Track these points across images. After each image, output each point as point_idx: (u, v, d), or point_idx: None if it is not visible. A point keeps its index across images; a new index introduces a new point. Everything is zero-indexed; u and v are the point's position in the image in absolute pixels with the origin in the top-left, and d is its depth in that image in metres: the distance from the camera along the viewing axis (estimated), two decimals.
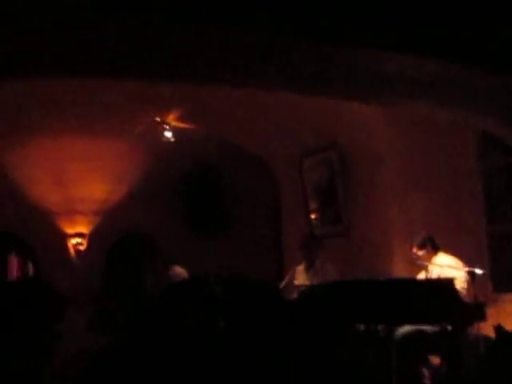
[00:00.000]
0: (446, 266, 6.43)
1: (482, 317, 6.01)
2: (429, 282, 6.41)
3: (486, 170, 7.46)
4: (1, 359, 5.12)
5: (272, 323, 4.45)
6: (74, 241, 10.24)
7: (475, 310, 6.01)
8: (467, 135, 7.40)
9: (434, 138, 7.59)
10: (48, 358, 5.42)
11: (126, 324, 5.93)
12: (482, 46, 4.79)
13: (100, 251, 10.29)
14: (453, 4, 4.64)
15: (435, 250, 6.58)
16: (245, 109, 8.31)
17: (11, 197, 9.66)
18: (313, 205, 9.45)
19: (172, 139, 8.92)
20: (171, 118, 8.73)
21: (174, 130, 8.87)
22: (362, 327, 6.14)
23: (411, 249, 6.67)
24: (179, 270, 7.83)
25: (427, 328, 6.15)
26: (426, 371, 6.32)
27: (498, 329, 5.99)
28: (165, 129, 8.86)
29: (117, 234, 10.40)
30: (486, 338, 6.03)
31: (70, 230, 10.27)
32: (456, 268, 6.36)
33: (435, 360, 6.43)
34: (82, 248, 10.26)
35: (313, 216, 9.45)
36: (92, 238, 10.32)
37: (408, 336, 6.07)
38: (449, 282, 6.05)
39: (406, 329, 6.08)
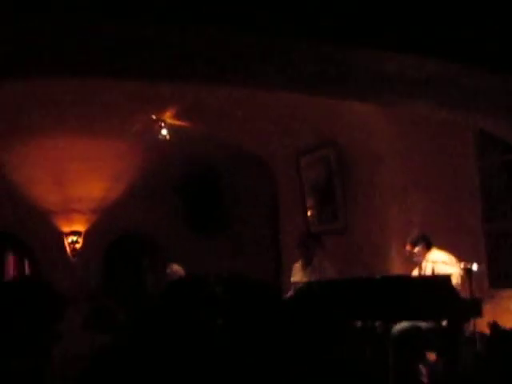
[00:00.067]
0: (440, 263, 6.48)
1: (478, 313, 6.05)
2: (425, 278, 6.45)
3: (485, 169, 7.50)
4: (1, 359, 5.12)
5: (272, 323, 4.47)
6: (71, 239, 10.23)
7: (471, 307, 6.05)
8: (466, 135, 7.43)
9: (433, 138, 7.62)
10: (48, 358, 5.43)
11: (126, 323, 5.94)
12: (481, 46, 4.81)
13: (98, 250, 10.29)
14: (453, 4, 4.66)
15: (428, 247, 6.63)
16: (243, 107, 8.32)
17: (9, 196, 9.65)
18: (310, 203, 9.48)
19: (167, 137, 8.91)
20: (169, 116, 8.73)
21: (171, 128, 8.87)
22: (359, 324, 6.18)
23: (405, 246, 6.74)
24: (176, 268, 7.85)
25: (423, 325, 6.19)
26: (422, 368, 6.36)
27: (493, 326, 6.04)
28: (162, 127, 8.86)
29: (115, 233, 10.40)
30: (483, 335, 6.08)
31: (67, 229, 10.26)
32: (450, 264, 6.41)
33: (432, 356, 6.47)
34: (79, 247, 10.26)
35: (310, 214, 9.47)
36: (90, 237, 10.31)
37: (404, 333, 6.10)
38: (445, 279, 6.10)
39: (402, 325, 6.12)
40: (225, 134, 9.58)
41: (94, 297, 8.16)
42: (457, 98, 5.69)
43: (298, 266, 7.77)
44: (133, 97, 7.77)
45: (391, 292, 5.82)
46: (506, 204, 7.31)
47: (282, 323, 4.79)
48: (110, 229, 10.29)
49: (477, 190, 7.45)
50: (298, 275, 7.70)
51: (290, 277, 7.89)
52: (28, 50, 4.52)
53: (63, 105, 7.93)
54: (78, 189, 9.89)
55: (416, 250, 6.60)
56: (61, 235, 10.26)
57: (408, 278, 6.56)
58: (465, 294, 6.11)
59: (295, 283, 7.51)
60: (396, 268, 7.68)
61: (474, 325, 6.06)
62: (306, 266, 7.63)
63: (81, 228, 10.30)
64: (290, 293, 7.23)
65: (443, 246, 6.65)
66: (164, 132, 8.90)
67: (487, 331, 6.08)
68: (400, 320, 6.09)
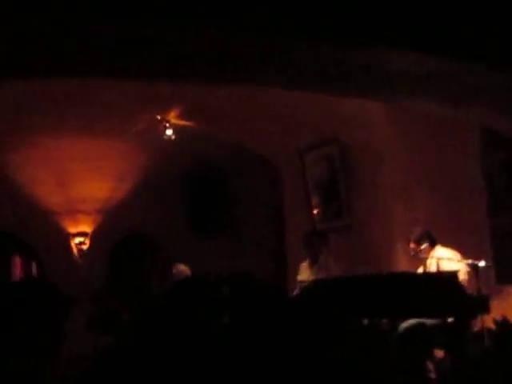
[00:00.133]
0: (444, 259, 6.47)
1: (485, 309, 6.03)
2: (431, 275, 6.43)
3: (488, 165, 7.47)
4: (4, 359, 5.12)
5: (276, 322, 4.45)
6: (76, 240, 10.24)
7: (478, 303, 6.02)
8: (469, 131, 7.40)
9: (435, 136, 7.60)
10: (49, 358, 5.43)
11: (131, 324, 5.94)
12: (482, 42, 4.79)
13: (103, 250, 10.29)
14: (453, 1, 4.64)
15: (433, 244, 6.62)
16: (245, 107, 8.31)
17: (13, 197, 9.65)
18: (315, 201, 9.46)
19: (173, 137, 8.91)
20: (172, 116, 8.73)
21: (174, 128, 8.87)
22: (366, 322, 6.16)
23: (409, 244, 6.72)
24: (182, 268, 7.84)
25: (430, 322, 6.17)
26: (430, 364, 6.34)
27: (503, 322, 6.02)
28: (165, 127, 8.86)
29: (120, 233, 10.40)
30: (491, 331, 6.05)
31: (72, 230, 10.26)
32: (455, 260, 6.39)
33: (439, 353, 6.45)
34: (84, 247, 10.26)
35: (315, 212, 9.45)
36: (95, 238, 10.31)
37: (410, 330, 6.09)
38: (451, 276, 6.07)
39: (408, 323, 6.11)
40: (227, 134, 9.56)
41: (98, 297, 8.15)
42: (458, 95, 5.67)
43: (304, 264, 7.76)
44: (135, 97, 7.77)
45: (397, 289, 5.80)
46: (509, 199, 7.28)
47: (286, 322, 4.78)
48: (114, 229, 10.29)
49: (481, 187, 7.42)
50: (304, 274, 7.69)
51: (295, 276, 7.88)
52: (28, 50, 4.51)
53: (65, 105, 7.94)
54: (82, 189, 9.90)
55: (420, 247, 6.59)
56: (66, 236, 10.27)
57: (413, 275, 6.54)
58: (472, 291, 6.08)
59: (301, 282, 7.50)
60: (401, 265, 7.66)
61: (482, 321, 6.04)
62: (313, 264, 7.62)
63: (87, 229, 10.31)
64: (296, 291, 7.21)
65: (448, 243, 6.63)
66: (169, 132, 8.90)
67: (495, 327, 6.07)
68: (406, 317, 6.07)
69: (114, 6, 4.07)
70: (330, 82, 5.39)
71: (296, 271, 7.91)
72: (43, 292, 5.73)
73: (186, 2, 4.08)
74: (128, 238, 10.37)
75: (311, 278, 7.44)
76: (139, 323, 4.92)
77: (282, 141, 9.58)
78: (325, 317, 5.41)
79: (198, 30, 4.23)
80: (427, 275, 6.49)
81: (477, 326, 6.16)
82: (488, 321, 6.07)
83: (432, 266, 6.55)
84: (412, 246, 6.66)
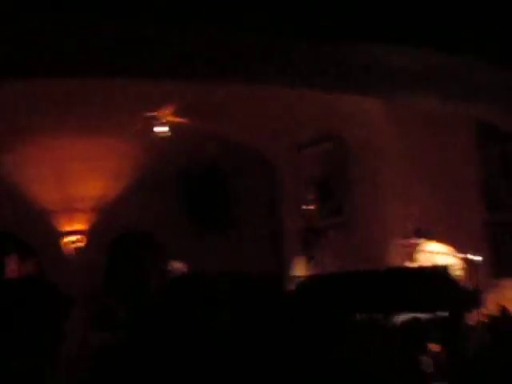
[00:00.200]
0: (437, 254, 6.52)
1: (478, 304, 6.08)
2: (425, 270, 6.48)
3: (485, 160, 7.53)
4: (3, 359, 5.13)
5: (273, 318, 4.50)
6: (73, 238, 10.24)
7: (472, 297, 6.08)
8: (466, 127, 7.46)
9: (433, 133, 7.65)
10: (50, 359, 5.44)
11: (127, 322, 5.94)
12: (482, 40, 4.83)
13: (99, 248, 10.30)
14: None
15: (426, 239, 6.67)
16: (243, 103, 8.31)
17: (11, 197, 9.65)
18: (312, 198, 9.48)
19: (168, 134, 8.92)
20: (169, 114, 8.73)
21: (171, 126, 8.87)
22: (361, 317, 6.20)
23: (402, 240, 6.77)
24: (178, 266, 7.86)
25: (425, 316, 6.22)
26: (426, 359, 6.39)
27: (502, 311, 6.07)
28: (162, 125, 8.87)
29: (116, 232, 10.40)
30: (486, 324, 6.10)
31: (69, 228, 10.26)
32: (448, 255, 6.45)
33: (436, 348, 6.50)
34: (81, 245, 10.26)
35: (312, 209, 9.47)
36: (91, 236, 10.32)
37: (406, 325, 6.13)
38: (444, 270, 6.13)
39: (403, 317, 6.15)
40: (225, 131, 9.57)
41: (95, 296, 8.16)
42: (457, 91, 5.71)
43: (300, 260, 7.80)
44: (132, 95, 7.76)
45: (392, 284, 5.85)
46: (507, 195, 7.35)
47: (283, 318, 4.81)
48: (111, 227, 10.29)
49: (477, 182, 7.48)
50: (300, 270, 7.72)
51: (292, 272, 7.91)
52: (28, 50, 4.52)
53: (63, 105, 7.92)
54: (79, 188, 9.89)
55: (413, 243, 6.64)
56: (63, 235, 10.27)
57: (407, 271, 6.59)
58: (467, 285, 6.14)
59: (298, 278, 7.53)
60: (397, 261, 7.71)
61: (478, 315, 6.09)
62: (309, 260, 7.66)
63: (84, 227, 10.30)
64: (293, 287, 7.24)
65: (444, 239, 6.69)
66: (164, 129, 8.90)
67: (489, 321, 6.12)
68: (400, 312, 6.12)
69: (114, 5, 4.09)
70: (330, 82, 5.42)
71: (293, 268, 7.95)
72: (43, 291, 5.75)
73: (186, 2, 4.10)
74: (125, 235, 10.37)
75: (307, 273, 7.49)
76: (136, 321, 4.94)
77: (279, 138, 9.60)
78: (321, 312, 5.45)
79: (198, 29, 4.25)
80: (421, 270, 6.54)
81: (472, 319, 6.22)
82: (484, 314, 6.13)
83: (425, 261, 6.60)
84: (405, 241, 6.72)
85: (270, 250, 10.44)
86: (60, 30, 4.30)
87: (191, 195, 10.77)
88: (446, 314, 6.20)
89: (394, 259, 7.74)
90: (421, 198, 7.73)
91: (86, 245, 10.27)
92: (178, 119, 8.84)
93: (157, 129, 8.88)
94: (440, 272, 6.19)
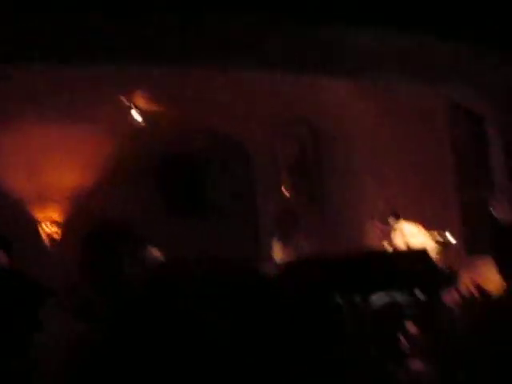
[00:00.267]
0: (410, 234, 6.57)
1: (455, 282, 6.15)
2: (400, 251, 6.54)
3: (457, 139, 7.58)
4: None
5: (253, 304, 4.50)
6: (48, 229, 10.17)
7: (449, 276, 6.15)
8: (438, 107, 7.49)
9: (404, 114, 7.67)
10: (23, 347, 5.40)
11: (107, 313, 5.91)
12: (454, 20, 4.82)
13: (75, 239, 10.21)
14: None
15: (400, 220, 6.71)
16: (217, 89, 8.27)
17: None
18: (287, 182, 9.51)
19: (142, 122, 8.88)
20: (141, 101, 8.68)
21: (145, 113, 8.83)
22: (338, 299, 6.24)
23: (377, 222, 6.81)
24: (157, 254, 7.82)
25: (402, 296, 6.27)
26: (402, 338, 6.45)
27: (477, 288, 6.12)
28: (135, 112, 8.82)
29: (93, 221, 10.31)
30: (460, 303, 6.17)
31: (43, 218, 10.19)
32: (421, 235, 6.50)
33: (413, 327, 6.56)
34: (57, 236, 10.20)
35: (287, 192, 9.50)
36: (67, 226, 10.26)
37: (383, 305, 6.19)
38: (421, 250, 6.18)
39: (379, 298, 6.20)
40: (199, 117, 9.54)
41: (73, 287, 8.11)
42: (429, 71, 5.72)
43: (277, 244, 7.82)
44: (107, 83, 7.69)
45: (369, 266, 5.89)
46: (479, 173, 7.41)
47: (263, 303, 4.83)
48: (87, 217, 10.22)
49: (450, 161, 7.54)
50: (277, 254, 7.75)
51: (270, 256, 7.94)
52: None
53: (36, 93, 7.83)
54: (53, 178, 9.81)
55: (386, 224, 6.68)
56: (38, 225, 10.19)
57: (384, 252, 6.64)
58: (441, 264, 6.20)
59: (275, 262, 7.57)
60: (373, 243, 7.76)
61: (453, 294, 6.15)
62: (284, 243, 7.68)
63: (57, 217, 10.23)
64: (270, 272, 7.27)
65: (418, 219, 6.74)
66: (137, 117, 8.86)
67: (466, 298, 6.18)
68: (377, 293, 6.17)
69: None
70: (301, 59, 5.39)
71: (270, 252, 7.97)
72: (11, 279, 5.70)
73: None
74: (101, 225, 10.28)
75: (284, 258, 7.52)
76: (116, 313, 4.92)
77: (254, 124, 9.59)
78: (300, 296, 5.47)
79: (175, 14, 4.20)
80: (397, 251, 6.59)
81: (448, 298, 6.28)
82: (459, 292, 6.18)
83: (401, 243, 6.65)
84: (380, 223, 6.76)
85: (247, 234, 10.46)
86: (35, 17, 4.22)
87: (168, 182, 10.75)
88: (423, 293, 6.27)
89: (371, 241, 7.80)
90: (395, 179, 7.78)
91: (62, 235, 10.21)
92: (153, 107, 8.80)
93: (132, 117, 8.84)
94: (416, 252, 6.25)
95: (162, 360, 3.63)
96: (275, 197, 9.63)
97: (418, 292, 6.25)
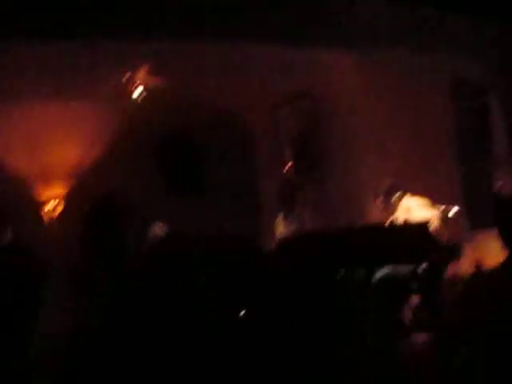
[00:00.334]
0: (414, 208, 6.56)
1: (457, 256, 6.15)
2: (403, 225, 6.52)
3: (460, 112, 7.54)
4: None
5: (256, 279, 4.51)
6: (49, 205, 10.16)
7: (451, 250, 6.14)
8: (440, 80, 7.44)
9: (406, 86, 7.62)
10: (31, 324, 5.41)
11: (109, 288, 5.92)
12: None
13: (77, 215, 10.22)
14: None
15: (402, 193, 6.69)
16: (217, 63, 8.20)
17: None
18: (288, 155, 9.49)
19: (142, 98, 8.83)
20: (142, 76, 8.62)
21: (146, 88, 8.77)
22: (341, 273, 6.24)
23: (377, 197, 6.78)
24: (158, 229, 7.82)
25: (404, 269, 6.27)
26: (406, 311, 6.47)
27: (478, 265, 6.14)
28: (136, 87, 8.77)
29: (93, 197, 10.32)
30: (464, 276, 6.18)
31: (45, 195, 10.18)
32: (425, 208, 6.48)
33: (414, 300, 6.57)
34: (58, 212, 10.19)
35: (288, 166, 9.48)
36: (68, 202, 10.25)
37: (385, 278, 6.20)
38: (423, 224, 6.17)
39: (382, 271, 6.20)
40: (200, 91, 9.47)
41: (75, 263, 8.12)
42: (430, 43, 5.68)
43: (279, 219, 7.82)
44: (107, 58, 7.62)
45: (371, 239, 5.89)
46: (482, 146, 7.38)
47: (265, 278, 4.83)
48: (88, 193, 10.21)
49: (452, 134, 7.51)
50: (279, 228, 7.75)
51: (271, 231, 7.94)
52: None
53: (35, 69, 7.77)
54: (54, 154, 9.79)
55: (388, 198, 6.66)
56: (39, 201, 10.19)
57: (386, 225, 6.64)
58: (444, 239, 6.19)
59: (277, 237, 7.56)
60: (375, 215, 7.75)
61: (455, 267, 6.16)
62: (286, 218, 7.67)
63: (59, 193, 10.23)
64: (271, 246, 7.27)
65: (420, 192, 6.72)
66: (138, 92, 8.82)
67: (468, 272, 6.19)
68: (380, 265, 6.18)
69: None
70: (304, 31, 5.33)
71: (270, 228, 7.97)
72: (14, 256, 5.71)
73: None
74: (102, 201, 10.29)
75: (285, 233, 7.51)
76: (117, 288, 4.92)
77: (254, 97, 9.53)
78: (302, 270, 5.47)
79: None
80: (398, 226, 6.58)
81: (450, 272, 6.29)
82: (462, 266, 6.20)
83: (403, 216, 6.64)
84: (381, 198, 6.74)
85: (249, 210, 10.45)
86: None
87: (168, 160, 10.72)
88: (426, 267, 6.27)
89: (373, 215, 7.79)
90: (396, 153, 7.75)
91: (63, 212, 10.21)
92: (153, 83, 8.74)
93: (133, 93, 8.79)
94: (419, 226, 6.24)
95: (163, 335, 3.64)
96: (276, 173, 9.61)
97: (421, 266, 6.25)
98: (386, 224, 6.68)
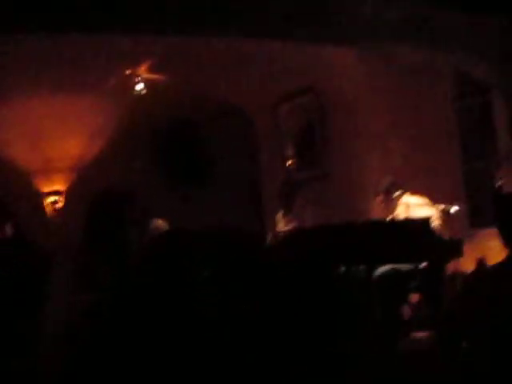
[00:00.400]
0: (414, 206, 6.56)
1: (458, 253, 6.15)
2: (404, 222, 6.52)
3: (462, 110, 7.55)
4: None
5: (257, 274, 4.51)
6: (52, 199, 10.16)
7: (452, 248, 6.15)
8: (443, 78, 7.44)
9: (409, 83, 7.61)
10: (35, 320, 5.42)
11: (112, 283, 5.95)
12: None
13: (80, 208, 10.23)
14: None
15: (403, 191, 6.69)
16: (220, 57, 8.19)
17: None
18: (290, 151, 9.49)
19: (144, 91, 8.82)
20: (144, 71, 8.61)
21: (147, 82, 8.77)
22: (342, 270, 6.25)
23: (379, 194, 6.77)
24: (160, 224, 7.83)
25: (405, 267, 6.28)
26: (406, 308, 6.48)
27: (479, 263, 6.14)
28: (138, 82, 8.76)
29: (95, 191, 10.33)
30: (464, 274, 6.18)
31: (47, 189, 10.18)
32: (427, 206, 6.49)
33: (415, 298, 6.58)
34: (60, 206, 10.19)
35: (290, 162, 9.48)
36: (70, 196, 10.26)
37: (386, 275, 6.20)
38: (423, 221, 6.17)
39: (383, 269, 6.21)
40: (202, 85, 9.47)
41: (77, 257, 8.13)
42: (432, 39, 5.67)
43: (279, 215, 7.82)
44: (109, 52, 7.62)
45: (372, 237, 5.89)
46: (484, 144, 7.39)
47: (266, 273, 4.83)
48: (90, 187, 10.23)
49: (454, 133, 7.51)
50: (281, 224, 7.75)
51: (273, 226, 7.94)
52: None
53: (37, 63, 7.77)
54: (56, 148, 9.79)
55: (390, 196, 6.66)
56: (41, 195, 10.19)
57: (387, 223, 6.64)
58: (445, 236, 6.20)
59: (279, 232, 7.56)
60: (376, 213, 7.76)
61: (456, 265, 6.17)
62: (286, 214, 7.67)
63: (61, 187, 10.23)
64: (271, 242, 7.27)
65: (421, 190, 6.72)
66: (140, 87, 8.81)
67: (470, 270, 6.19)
68: (381, 264, 6.18)
69: None
70: (305, 26, 5.33)
71: (272, 222, 7.97)
72: (17, 250, 5.72)
73: None
74: (104, 195, 10.30)
75: (286, 227, 7.51)
76: (119, 281, 4.93)
77: (257, 92, 9.53)
78: (303, 266, 5.47)
79: None
80: (400, 222, 6.58)
81: (451, 269, 6.30)
82: (462, 264, 6.21)
83: (404, 214, 6.64)
84: (381, 196, 6.73)
85: (251, 205, 10.46)
86: None
87: (169, 152, 10.73)
88: (427, 264, 6.27)
89: (373, 211, 7.79)
90: (398, 150, 7.75)
91: (65, 205, 10.21)
92: (155, 76, 8.73)
93: (135, 87, 8.79)
94: (419, 223, 6.24)
95: (164, 330, 3.65)
96: (278, 167, 9.61)
97: (421, 263, 6.25)
98: (387, 221, 6.69)
